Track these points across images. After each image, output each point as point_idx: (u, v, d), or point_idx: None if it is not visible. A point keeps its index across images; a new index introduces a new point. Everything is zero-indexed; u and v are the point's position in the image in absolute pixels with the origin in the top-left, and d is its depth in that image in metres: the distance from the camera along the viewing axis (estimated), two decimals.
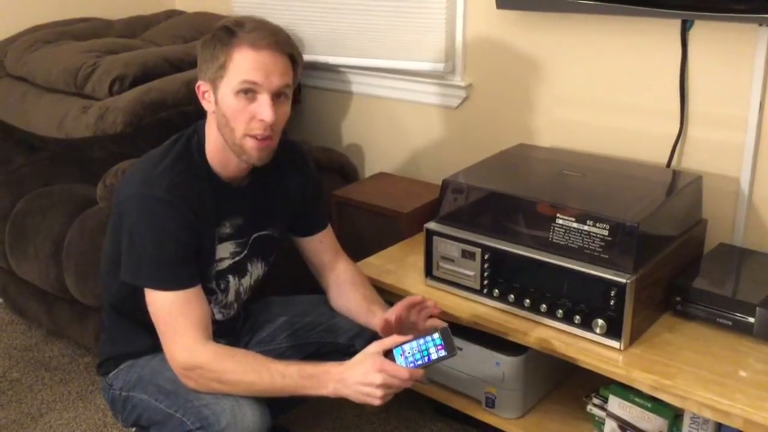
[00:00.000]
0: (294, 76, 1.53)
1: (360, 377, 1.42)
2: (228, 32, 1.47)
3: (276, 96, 1.49)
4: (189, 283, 1.50)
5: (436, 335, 1.47)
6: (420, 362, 1.45)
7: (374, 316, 1.66)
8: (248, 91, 1.47)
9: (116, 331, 1.69)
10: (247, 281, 1.71)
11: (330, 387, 1.44)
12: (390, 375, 1.41)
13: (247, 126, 1.49)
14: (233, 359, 1.47)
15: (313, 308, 1.80)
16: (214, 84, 1.50)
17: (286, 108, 1.54)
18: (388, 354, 1.46)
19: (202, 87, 1.53)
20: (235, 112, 1.48)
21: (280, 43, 1.48)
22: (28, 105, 2.40)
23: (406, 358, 1.46)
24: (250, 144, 1.51)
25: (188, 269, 1.51)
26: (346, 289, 1.75)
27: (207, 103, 1.54)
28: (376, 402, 1.43)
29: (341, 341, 1.75)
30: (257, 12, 2.74)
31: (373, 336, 1.68)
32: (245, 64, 1.46)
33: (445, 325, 1.53)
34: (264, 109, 1.48)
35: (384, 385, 1.41)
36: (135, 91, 2.19)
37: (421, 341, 1.47)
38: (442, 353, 1.46)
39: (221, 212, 1.59)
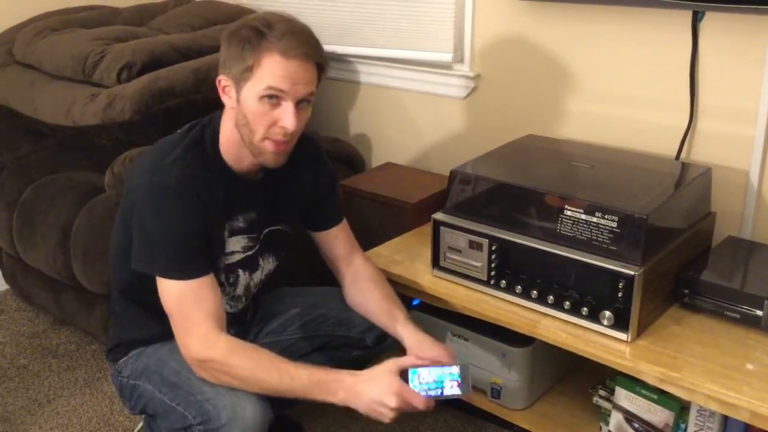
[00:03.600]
0: (319, 82, 1.53)
1: (375, 395, 1.43)
2: (258, 34, 1.44)
3: (299, 102, 1.49)
4: (200, 272, 1.50)
5: (455, 369, 1.47)
6: (433, 393, 1.45)
7: (395, 320, 1.65)
8: (272, 97, 1.46)
9: (126, 317, 1.69)
10: (258, 276, 1.71)
11: (340, 396, 1.45)
12: (405, 401, 1.43)
13: (267, 130, 1.49)
14: (244, 354, 1.47)
15: (325, 300, 1.80)
16: (238, 83, 1.48)
17: (307, 113, 1.53)
18: (403, 372, 1.46)
19: (224, 82, 1.51)
20: (257, 116, 1.48)
21: (311, 53, 1.47)
22: (35, 92, 2.40)
23: (420, 383, 1.45)
24: (268, 147, 1.51)
25: (199, 258, 1.51)
26: (364, 286, 1.74)
27: (227, 99, 1.52)
28: (385, 421, 1.45)
29: (353, 335, 1.74)
30: (267, 1, 2.74)
31: (383, 331, 1.69)
32: (274, 71, 1.44)
33: (467, 363, 1.52)
34: (287, 118, 1.47)
35: (397, 409, 1.43)
36: (143, 79, 2.19)
37: (439, 371, 1.46)
38: (456, 391, 1.46)
39: (234, 205, 1.59)
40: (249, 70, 1.45)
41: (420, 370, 1.46)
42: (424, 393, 1.45)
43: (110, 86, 2.23)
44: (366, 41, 2.52)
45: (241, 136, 1.52)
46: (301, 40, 1.46)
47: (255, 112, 1.47)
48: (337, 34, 2.58)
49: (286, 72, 1.44)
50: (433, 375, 1.46)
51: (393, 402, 1.42)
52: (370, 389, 1.43)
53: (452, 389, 1.46)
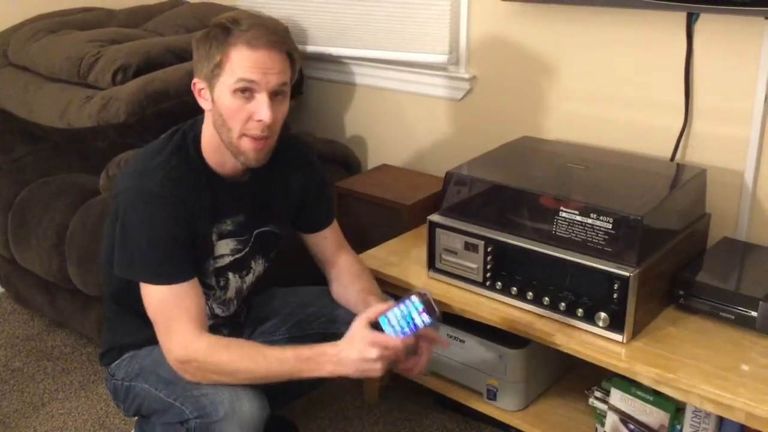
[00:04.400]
0: (292, 74, 1.52)
1: (356, 354, 1.44)
2: (224, 30, 1.45)
3: (274, 95, 1.48)
4: (182, 277, 1.49)
5: (415, 299, 1.48)
6: (408, 330, 1.47)
7: (368, 306, 1.65)
8: (245, 90, 1.45)
9: (118, 322, 1.69)
10: (249, 278, 1.71)
11: (327, 368, 1.46)
12: (384, 347, 1.44)
13: (244, 126, 1.48)
14: (228, 349, 1.47)
15: (315, 300, 1.80)
16: (210, 82, 1.48)
17: (285, 107, 1.52)
18: (375, 325, 1.48)
19: (198, 84, 1.51)
20: (232, 112, 1.47)
21: (278, 41, 1.46)
22: (30, 94, 2.40)
23: (392, 327, 1.47)
24: (247, 144, 1.50)
25: (182, 263, 1.50)
26: (347, 280, 1.75)
27: (203, 101, 1.52)
28: (377, 374, 1.46)
29: (343, 332, 1.74)
30: (261, 2, 2.74)
31: None
32: (242, 63, 1.44)
33: (426, 291, 1.53)
34: (262, 109, 1.46)
35: (381, 358, 1.44)
36: (138, 81, 2.19)
37: (403, 307, 1.48)
38: (427, 319, 1.47)
39: (221, 209, 1.58)
40: (218, 66, 1.45)
41: (387, 314, 1.48)
42: (402, 335, 1.47)
43: (105, 88, 2.23)
44: (361, 43, 2.53)
45: (219, 137, 1.52)
46: (267, 30, 1.45)
47: (229, 108, 1.47)
48: (332, 36, 2.58)
49: (255, 62, 1.44)
50: (400, 314, 1.48)
51: (374, 353, 1.43)
52: (351, 352, 1.45)
53: (422, 319, 1.47)
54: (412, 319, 1.47)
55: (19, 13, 2.66)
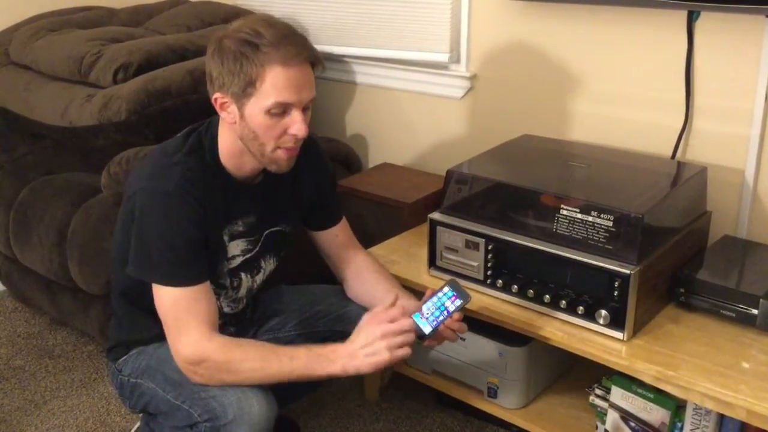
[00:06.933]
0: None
1: (362, 340, 1.45)
2: (250, 46, 1.42)
3: (305, 108, 1.50)
4: (197, 280, 1.49)
5: (446, 288, 1.51)
6: (441, 318, 1.49)
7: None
8: (281, 110, 1.46)
9: (126, 318, 1.69)
10: (260, 278, 1.71)
11: (338, 364, 1.45)
12: (386, 322, 1.45)
13: (278, 140, 1.49)
14: (240, 348, 1.48)
15: (323, 297, 1.80)
16: (240, 100, 1.46)
17: (309, 114, 1.53)
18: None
19: (221, 99, 1.48)
20: (267, 129, 1.47)
21: (308, 56, 1.46)
22: (32, 93, 2.40)
23: (427, 319, 1.49)
24: (281, 155, 1.51)
25: (196, 266, 1.50)
26: (371, 277, 1.74)
27: (227, 115, 1.50)
28: (385, 356, 1.43)
29: (351, 330, 1.74)
30: (262, 1, 2.74)
31: None
32: (278, 83, 1.43)
33: (452, 278, 1.55)
34: (298, 126, 1.47)
35: (385, 335, 1.43)
36: (139, 79, 2.19)
37: (435, 299, 1.50)
38: (458, 302, 1.49)
39: (233, 210, 1.59)
40: (251, 86, 1.44)
41: (422, 309, 1.50)
42: (435, 323, 1.49)
43: (106, 87, 2.23)
44: (363, 42, 2.53)
45: (248, 149, 1.52)
46: (297, 44, 1.45)
47: (263, 126, 1.47)
48: (333, 35, 2.58)
49: (290, 81, 1.43)
50: (433, 306, 1.50)
51: (377, 331, 1.44)
52: (358, 341, 1.45)
53: (454, 303, 1.49)
54: (445, 306, 1.49)
55: (20, 12, 2.67)
